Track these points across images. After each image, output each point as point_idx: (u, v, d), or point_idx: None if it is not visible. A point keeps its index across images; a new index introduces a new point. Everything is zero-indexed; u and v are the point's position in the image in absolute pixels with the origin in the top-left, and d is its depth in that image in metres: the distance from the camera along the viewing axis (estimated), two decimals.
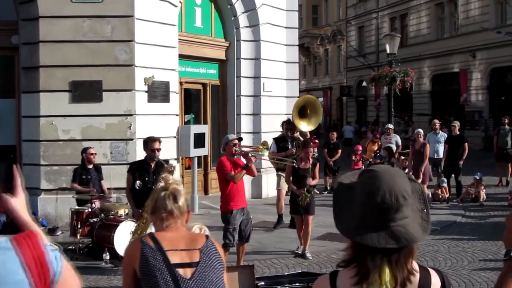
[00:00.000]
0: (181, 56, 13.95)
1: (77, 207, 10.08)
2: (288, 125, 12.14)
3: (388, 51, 22.32)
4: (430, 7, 36.17)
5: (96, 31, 12.04)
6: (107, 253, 9.00)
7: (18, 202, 2.06)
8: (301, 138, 11.86)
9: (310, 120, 12.45)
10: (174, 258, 3.21)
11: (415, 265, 2.12)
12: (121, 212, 9.85)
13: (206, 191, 15.49)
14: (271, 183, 14.70)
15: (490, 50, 30.27)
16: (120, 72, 12.17)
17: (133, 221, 8.86)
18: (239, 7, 15.41)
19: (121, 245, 8.65)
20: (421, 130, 16.00)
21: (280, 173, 11.82)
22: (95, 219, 9.65)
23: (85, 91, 12.00)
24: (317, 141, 15.01)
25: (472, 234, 11.47)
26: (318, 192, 14.12)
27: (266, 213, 13.06)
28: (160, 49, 12.83)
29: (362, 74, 41.19)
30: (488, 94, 31.50)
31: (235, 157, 8.66)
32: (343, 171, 17.57)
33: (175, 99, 13.51)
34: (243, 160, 8.69)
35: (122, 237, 8.81)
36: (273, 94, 16.14)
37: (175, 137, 13.33)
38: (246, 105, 15.69)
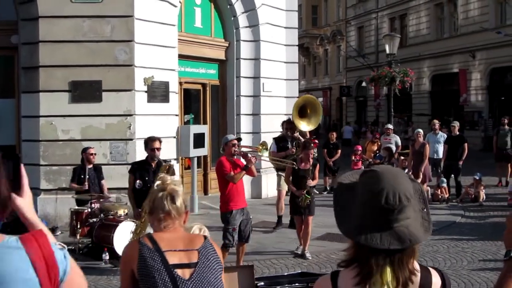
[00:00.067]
0: (181, 56, 13.95)
1: (76, 207, 10.08)
2: (288, 125, 12.15)
3: (387, 51, 22.33)
4: (429, 7, 36.18)
5: (95, 31, 12.04)
6: (107, 253, 9.00)
7: (25, 202, 2.06)
8: (301, 138, 11.86)
9: (310, 120, 12.45)
10: (172, 259, 3.21)
11: (416, 265, 2.12)
12: (121, 212, 9.85)
13: (205, 191, 15.49)
14: (270, 183, 14.70)
15: (490, 50, 30.27)
16: (119, 72, 12.17)
17: (133, 221, 8.87)
18: (238, 7, 15.41)
19: (120, 245, 8.64)
20: (420, 130, 16.01)
21: (280, 173, 11.81)
22: (94, 219, 9.65)
23: (85, 91, 12.00)
24: (316, 141, 15.01)
25: (472, 234, 11.47)
26: (317, 192, 14.12)
27: (265, 213, 13.06)
28: (159, 49, 12.83)
29: (362, 74, 41.20)
30: (488, 94, 31.50)
31: (235, 157, 8.67)
32: (342, 171, 17.60)
33: (175, 99, 13.51)
34: (243, 161, 8.70)
35: (122, 237, 8.81)
36: (272, 94, 16.15)
37: (174, 137, 13.33)
38: (245, 105, 15.69)
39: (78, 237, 9.59)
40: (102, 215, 9.72)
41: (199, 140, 13.69)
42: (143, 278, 3.16)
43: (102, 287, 8.18)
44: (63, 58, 11.94)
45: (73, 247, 9.52)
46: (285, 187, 11.54)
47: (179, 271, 3.19)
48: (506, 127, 18.11)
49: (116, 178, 11.70)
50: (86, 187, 10.35)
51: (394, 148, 16.73)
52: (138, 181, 8.64)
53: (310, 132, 13.23)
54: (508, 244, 2.31)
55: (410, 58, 34.01)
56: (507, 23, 30.03)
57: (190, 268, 3.22)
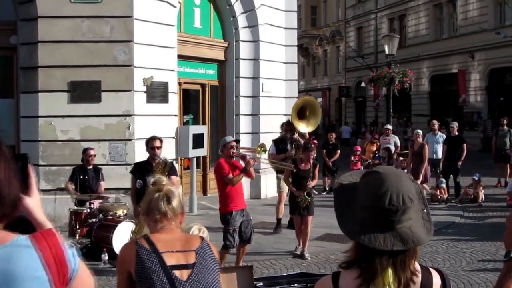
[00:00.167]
0: (180, 57, 13.94)
1: (75, 207, 10.07)
2: (288, 127, 12.12)
3: (386, 51, 22.34)
4: (428, 8, 36.20)
5: (95, 31, 12.04)
6: (106, 254, 9.00)
7: (33, 202, 2.07)
8: (300, 140, 11.84)
9: (309, 121, 12.44)
10: (170, 260, 3.20)
11: (417, 266, 2.12)
12: (120, 212, 9.85)
13: (204, 192, 15.48)
14: (270, 183, 14.71)
15: (489, 51, 30.30)
16: (119, 73, 12.17)
17: (132, 221, 8.88)
18: (238, 8, 15.41)
19: (119, 246, 8.62)
20: (419, 131, 16.04)
21: (280, 175, 11.77)
22: (93, 220, 9.64)
23: (84, 92, 11.99)
24: (315, 141, 15.01)
25: (471, 235, 11.48)
26: (316, 193, 14.13)
27: (265, 213, 13.05)
28: (159, 49, 12.83)
29: (361, 75, 41.24)
30: (487, 94, 31.53)
31: (234, 159, 8.67)
32: (341, 172, 17.61)
33: (174, 100, 13.51)
34: (242, 162, 8.70)
35: (121, 237, 8.81)
36: (272, 95, 16.15)
37: (173, 137, 13.33)
38: (245, 106, 15.69)
39: (77, 237, 9.59)
40: (101, 215, 9.72)
41: (198, 141, 13.69)
42: (140, 280, 3.15)
43: None
44: (62, 58, 11.94)
45: None
46: (285, 189, 11.52)
47: (177, 272, 3.18)
48: (505, 127, 18.11)
49: (115, 178, 11.70)
50: (73, 189, 10.32)
51: (393, 149, 16.74)
52: (138, 181, 8.66)
53: (309, 132, 13.22)
54: (508, 245, 2.30)
55: (409, 59, 34.03)
56: (506, 23, 30.07)
57: (187, 269, 3.21)
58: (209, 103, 15.72)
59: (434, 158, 16.12)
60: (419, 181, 14.35)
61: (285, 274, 7.06)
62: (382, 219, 2.02)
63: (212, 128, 15.67)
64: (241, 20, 15.52)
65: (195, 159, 13.90)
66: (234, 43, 15.58)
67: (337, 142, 18.54)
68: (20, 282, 1.82)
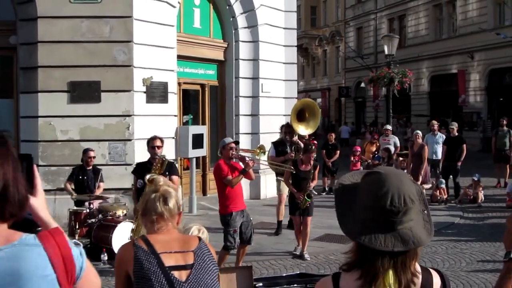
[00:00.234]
0: (180, 57, 13.94)
1: (75, 207, 10.07)
2: (287, 129, 12.09)
3: (386, 52, 22.35)
4: (428, 8, 36.22)
5: (94, 31, 12.03)
6: (105, 254, 8.99)
7: (38, 202, 2.09)
8: (300, 142, 11.83)
9: (309, 123, 12.43)
10: (169, 261, 3.20)
11: (418, 267, 2.12)
12: (119, 212, 9.85)
13: (204, 192, 15.47)
14: (269, 184, 14.70)
15: (488, 51, 30.31)
16: (118, 73, 12.16)
17: (131, 221, 8.89)
18: (237, 8, 15.41)
19: (119, 246, 8.63)
20: (419, 132, 16.07)
21: (279, 178, 11.76)
22: (93, 220, 9.64)
23: (84, 92, 11.99)
24: (315, 142, 15.00)
25: (470, 235, 11.48)
26: (316, 193, 14.12)
27: (264, 214, 13.06)
28: (158, 49, 12.83)
29: (361, 75, 41.26)
30: (486, 95, 31.54)
31: (233, 160, 8.67)
32: (341, 172, 17.62)
33: (174, 100, 13.50)
34: (241, 164, 8.70)
35: (120, 238, 8.81)
36: (271, 95, 16.14)
37: (173, 137, 13.32)
38: (244, 106, 15.69)
39: (76, 237, 9.57)
40: (100, 215, 9.71)
41: (197, 141, 13.68)
42: (139, 281, 3.15)
43: None
44: (62, 58, 11.93)
45: None
46: (285, 191, 11.50)
47: (175, 273, 3.18)
48: (505, 128, 18.11)
49: (114, 178, 11.70)
50: (71, 189, 10.33)
51: (392, 149, 16.74)
52: (139, 181, 8.66)
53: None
54: (507, 246, 2.30)
55: (409, 59, 34.05)
56: (505, 24, 30.08)
57: (186, 269, 3.20)
58: (208, 103, 15.72)
59: (433, 158, 16.12)
60: (419, 183, 14.37)
61: (284, 275, 7.06)
62: (383, 220, 2.02)
63: (211, 129, 15.67)
64: (241, 21, 15.52)
65: (194, 159, 13.89)
66: (234, 43, 15.57)
67: (337, 143, 18.53)
68: (28, 280, 1.83)
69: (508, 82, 30.53)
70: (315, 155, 10.09)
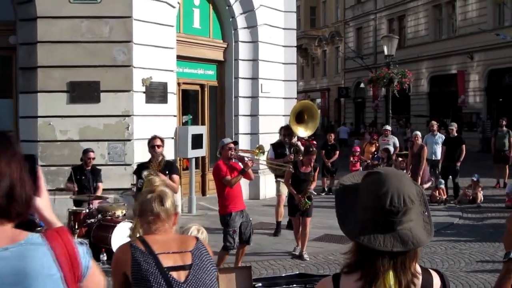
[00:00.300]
0: (179, 57, 13.94)
1: (74, 207, 10.06)
2: (286, 131, 12.06)
3: (386, 52, 22.37)
4: (428, 8, 36.22)
5: (94, 31, 12.03)
6: (104, 254, 8.98)
7: (43, 202, 2.09)
8: (299, 144, 11.83)
9: (308, 125, 12.42)
10: (167, 262, 3.19)
11: (418, 268, 2.12)
12: (119, 213, 9.84)
13: (203, 192, 15.47)
14: (268, 184, 14.70)
15: (488, 52, 30.31)
16: (118, 73, 12.16)
17: (131, 221, 8.88)
18: (237, 8, 15.41)
19: (118, 246, 8.63)
20: (418, 133, 16.09)
21: (279, 179, 11.76)
22: (92, 220, 9.63)
23: (83, 92, 11.99)
24: (314, 142, 15.01)
25: (470, 236, 11.48)
26: (315, 194, 14.10)
27: (263, 214, 13.06)
28: (158, 50, 12.83)
29: (360, 76, 41.25)
30: (486, 95, 31.54)
31: (232, 160, 8.67)
32: (340, 173, 17.61)
33: (173, 100, 13.50)
34: (240, 164, 8.70)
35: (120, 238, 8.80)
36: (271, 95, 16.14)
37: (172, 138, 13.32)
38: (244, 106, 15.68)
39: (76, 237, 9.56)
40: (99, 215, 9.71)
41: (197, 141, 13.68)
42: (137, 282, 3.14)
43: None
44: (61, 58, 11.93)
45: None
46: (284, 192, 11.50)
47: (174, 274, 3.17)
48: (504, 128, 18.11)
49: (113, 178, 11.70)
50: (76, 189, 10.33)
51: (392, 150, 16.74)
52: (140, 181, 8.67)
53: None
54: (507, 246, 2.30)
55: (409, 60, 34.05)
56: (505, 24, 30.08)
57: (185, 270, 3.20)
58: (208, 103, 15.72)
59: (433, 159, 16.13)
60: (418, 183, 14.37)
61: (284, 275, 7.06)
62: (383, 220, 2.02)
63: (211, 129, 15.67)
64: (240, 21, 15.52)
65: (194, 159, 13.89)
66: (233, 44, 15.57)
67: (336, 143, 18.53)
68: (34, 279, 1.84)
69: (507, 83, 30.54)
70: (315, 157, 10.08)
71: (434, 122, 17.51)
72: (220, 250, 8.42)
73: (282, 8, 16.71)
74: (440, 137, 16.43)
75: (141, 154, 11.61)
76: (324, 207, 12.74)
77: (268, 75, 16.06)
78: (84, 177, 10.50)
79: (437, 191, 15.23)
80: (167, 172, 8.66)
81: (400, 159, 16.10)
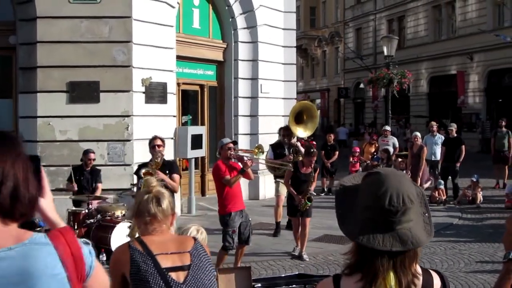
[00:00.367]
0: (179, 57, 13.94)
1: (73, 208, 10.06)
2: (285, 132, 12.05)
3: (385, 53, 22.38)
4: (427, 9, 36.22)
5: (93, 31, 12.03)
6: (104, 254, 8.97)
7: (46, 203, 2.10)
8: (298, 145, 11.82)
9: (307, 126, 12.41)
10: (165, 262, 3.19)
11: (418, 268, 2.12)
12: (118, 213, 9.83)
13: (203, 193, 15.47)
14: (268, 184, 14.70)
15: (488, 52, 30.31)
16: (117, 73, 12.16)
17: (130, 222, 8.88)
18: (236, 9, 15.40)
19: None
20: (418, 133, 16.09)
21: (278, 180, 11.76)
22: (91, 220, 9.63)
23: (83, 92, 11.99)
24: (314, 142, 15.01)
25: (469, 236, 11.48)
26: (315, 194, 14.10)
27: (263, 214, 13.05)
28: (157, 50, 12.83)
29: (360, 76, 41.25)
30: (485, 96, 31.54)
31: (231, 160, 8.67)
32: (340, 173, 17.61)
33: (173, 100, 13.50)
34: (240, 164, 8.70)
35: (119, 238, 8.80)
36: (270, 96, 16.14)
37: (172, 138, 13.32)
38: (243, 107, 15.68)
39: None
40: (99, 216, 9.70)
41: (196, 141, 13.68)
42: (136, 283, 3.13)
43: None
44: (61, 58, 11.93)
45: None
46: (283, 193, 11.50)
47: (173, 275, 3.17)
48: (504, 129, 18.11)
49: (113, 179, 11.70)
50: (75, 188, 10.34)
51: (391, 150, 16.74)
52: (140, 180, 8.67)
53: None
54: (507, 246, 2.30)
55: (408, 60, 34.04)
56: (504, 25, 30.08)
57: (183, 270, 3.20)
58: (207, 104, 15.72)
59: (432, 159, 16.13)
60: (418, 184, 14.38)
61: (283, 275, 7.06)
62: (382, 219, 2.02)
63: (210, 129, 15.67)
64: (240, 21, 15.52)
65: (193, 160, 13.89)
66: (233, 44, 15.57)
67: (336, 144, 18.54)
68: (38, 279, 1.84)
69: (507, 83, 30.54)
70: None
71: (433, 123, 17.51)
72: (219, 250, 8.42)
73: (282, 8, 16.71)
74: (439, 138, 16.43)
75: (141, 155, 11.61)
76: (323, 207, 12.74)
77: (267, 75, 16.06)
78: (83, 177, 10.50)
79: (436, 192, 15.23)
80: (167, 172, 8.67)
81: (400, 159, 16.10)
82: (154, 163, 8.61)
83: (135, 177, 9.32)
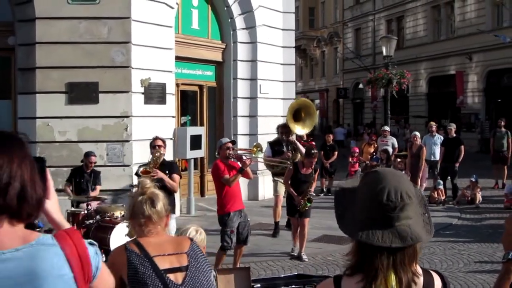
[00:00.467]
0: (178, 58, 13.93)
1: (73, 208, 10.05)
2: (283, 129, 12.06)
3: (384, 53, 22.39)
4: (426, 9, 36.23)
5: (92, 32, 12.02)
6: (103, 255, 8.97)
7: (51, 204, 2.12)
8: (297, 142, 11.82)
9: (305, 123, 12.41)
10: (163, 264, 3.18)
11: (419, 269, 2.12)
12: (117, 213, 9.81)
13: (202, 193, 15.47)
14: (267, 185, 14.69)
15: (487, 53, 30.32)
16: (116, 74, 12.16)
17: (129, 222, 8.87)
18: (235, 9, 15.40)
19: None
20: (417, 133, 16.08)
21: (276, 178, 11.75)
22: (91, 221, 9.62)
23: (82, 93, 11.98)
24: (313, 142, 15.00)
25: (468, 236, 11.49)
26: (314, 194, 14.09)
27: (262, 215, 13.05)
28: (156, 50, 12.82)
29: (359, 76, 41.23)
30: (484, 96, 31.54)
31: (230, 159, 8.68)
32: (339, 173, 17.63)
33: (172, 101, 13.50)
34: (239, 163, 8.71)
35: (118, 238, 8.79)
36: (269, 96, 16.14)
37: (171, 139, 13.31)
38: (242, 107, 15.68)
39: None
40: (98, 216, 9.69)
41: (195, 142, 13.68)
42: (134, 286, 3.13)
43: None
44: (60, 59, 11.92)
45: None
46: (281, 192, 11.50)
47: (171, 276, 3.16)
48: (503, 129, 18.12)
49: (112, 179, 11.69)
50: (72, 196, 10.33)
51: (390, 150, 16.75)
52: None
53: (307, 134, 13.19)
54: (506, 247, 2.30)
55: (407, 60, 34.05)
56: (503, 25, 30.09)
57: (181, 272, 3.19)
58: (206, 104, 15.72)
59: (431, 159, 16.13)
60: (418, 186, 14.42)
61: (282, 276, 7.06)
62: (381, 215, 2.03)
63: (209, 130, 15.66)
64: (239, 22, 15.52)
65: (192, 160, 13.88)
66: (232, 45, 15.57)
67: (335, 144, 18.54)
68: (45, 280, 1.86)
69: (506, 84, 30.54)
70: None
71: (432, 123, 17.51)
72: (217, 250, 8.42)
73: (281, 8, 16.71)
74: (438, 138, 16.43)
75: (140, 155, 11.61)
76: (322, 207, 12.74)
77: (266, 76, 16.06)
78: (83, 179, 10.49)
79: (435, 192, 15.24)
80: (167, 172, 8.67)
81: (399, 159, 16.11)
82: (153, 161, 8.60)
83: (135, 177, 9.29)
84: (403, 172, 14.38)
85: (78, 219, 9.66)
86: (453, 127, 16.51)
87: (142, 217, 3.32)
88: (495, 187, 17.69)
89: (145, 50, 12.53)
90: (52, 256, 1.89)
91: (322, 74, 52.82)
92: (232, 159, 8.77)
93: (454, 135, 16.29)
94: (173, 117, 13.63)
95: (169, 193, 8.32)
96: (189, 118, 15.14)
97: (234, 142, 9.15)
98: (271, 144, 12.07)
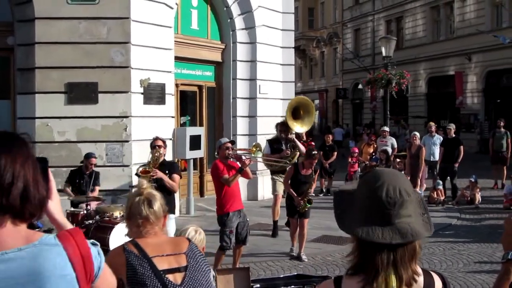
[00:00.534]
0: (177, 58, 13.93)
1: (72, 209, 10.04)
2: (282, 127, 12.07)
3: (384, 53, 22.40)
4: (425, 10, 36.24)
5: (92, 32, 12.02)
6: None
7: (54, 205, 2.13)
8: (295, 140, 11.82)
9: (304, 121, 12.41)
10: (162, 265, 3.17)
11: (419, 269, 2.12)
12: (117, 214, 9.81)
13: (201, 193, 15.47)
14: (267, 185, 14.68)
15: (486, 53, 30.32)
16: (116, 74, 12.15)
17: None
18: (235, 9, 15.40)
19: None
20: (417, 133, 16.08)
21: (274, 176, 11.75)
22: (90, 221, 9.61)
23: (81, 93, 11.98)
24: (313, 143, 15.00)
25: (468, 237, 11.49)
26: (314, 195, 14.10)
27: (262, 215, 13.05)
28: (156, 51, 12.82)
29: (358, 77, 41.25)
30: (484, 97, 31.55)
31: (229, 159, 8.68)
32: (338, 174, 17.63)
33: (171, 101, 13.50)
34: (238, 163, 8.71)
35: (118, 239, 8.78)
36: (269, 96, 16.14)
37: (170, 139, 13.30)
38: (242, 107, 15.68)
39: None
40: (97, 217, 9.68)
41: (195, 142, 13.67)
42: (133, 287, 3.12)
43: None
44: (59, 59, 11.92)
45: None
46: (280, 191, 11.50)
47: (170, 277, 3.15)
48: (502, 129, 18.13)
49: (111, 179, 11.69)
50: (72, 196, 10.32)
51: (390, 151, 16.75)
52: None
53: (306, 132, 13.19)
54: (506, 247, 2.31)
55: (407, 61, 34.05)
56: (503, 26, 30.09)
57: (180, 272, 3.19)
58: (206, 104, 15.72)
59: (431, 160, 16.13)
60: (417, 187, 14.48)
61: (282, 276, 7.07)
62: (380, 212, 2.04)
63: (209, 130, 15.66)
64: (238, 22, 15.52)
65: (192, 160, 13.88)
66: (231, 45, 15.57)
67: (334, 144, 18.54)
68: (47, 279, 1.86)
69: (505, 84, 30.55)
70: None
71: (432, 123, 17.52)
72: (217, 250, 8.42)
73: (280, 9, 16.71)
74: (438, 138, 16.43)
75: (139, 155, 11.61)
76: (322, 208, 12.74)
77: (266, 76, 16.06)
78: (82, 180, 10.48)
79: (435, 192, 15.24)
80: (166, 172, 8.67)
81: (398, 160, 16.11)
82: (152, 161, 8.60)
83: (134, 178, 9.28)
84: (403, 172, 14.41)
85: (77, 219, 9.65)
86: (452, 127, 16.52)
87: (139, 217, 3.31)
88: (495, 188, 17.70)
89: (145, 50, 12.52)
90: (55, 256, 1.90)
91: (321, 74, 52.83)
92: (231, 159, 8.77)
93: (454, 135, 16.30)
94: (172, 117, 13.63)
95: (169, 193, 8.33)
96: (189, 118, 15.14)
97: (233, 142, 9.15)
98: (270, 142, 12.08)
